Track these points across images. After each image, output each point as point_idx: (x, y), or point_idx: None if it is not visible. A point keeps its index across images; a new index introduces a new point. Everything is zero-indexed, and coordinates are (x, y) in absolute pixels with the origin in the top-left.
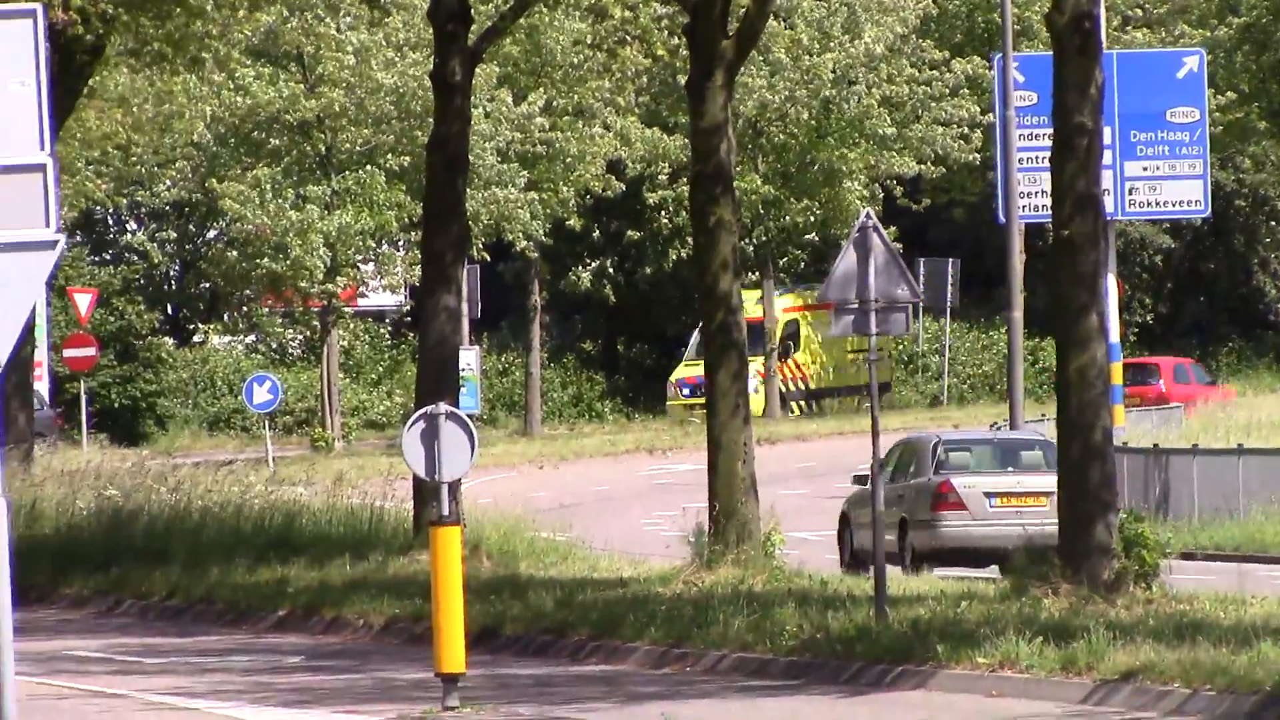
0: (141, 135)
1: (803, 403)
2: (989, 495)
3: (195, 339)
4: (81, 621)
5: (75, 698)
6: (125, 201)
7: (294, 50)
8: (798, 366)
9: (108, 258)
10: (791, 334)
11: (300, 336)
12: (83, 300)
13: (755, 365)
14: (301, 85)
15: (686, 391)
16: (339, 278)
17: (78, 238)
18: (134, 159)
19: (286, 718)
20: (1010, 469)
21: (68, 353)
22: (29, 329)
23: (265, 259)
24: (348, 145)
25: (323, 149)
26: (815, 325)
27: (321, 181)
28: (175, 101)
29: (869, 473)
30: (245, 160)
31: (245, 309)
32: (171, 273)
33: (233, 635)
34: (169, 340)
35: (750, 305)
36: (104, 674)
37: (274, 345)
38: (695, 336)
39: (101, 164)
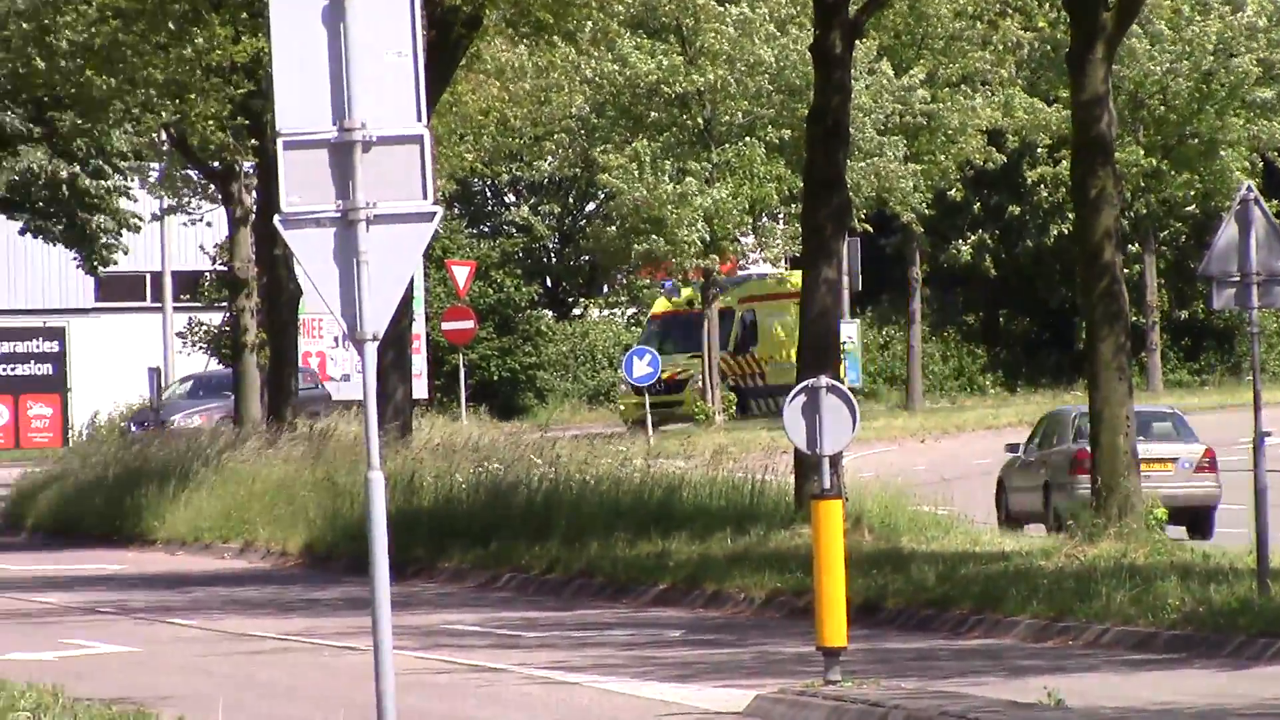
0: (519, 109)
1: (762, 402)
2: None
3: (574, 312)
4: (460, 595)
5: (454, 672)
6: (505, 175)
7: (672, 22)
8: (755, 361)
9: (486, 230)
10: (749, 325)
11: None
12: (461, 273)
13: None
14: (681, 58)
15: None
16: (716, 254)
17: (455, 210)
18: (512, 132)
19: (667, 691)
20: (1141, 438)
21: (446, 326)
22: (407, 302)
23: (645, 237)
24: (726, 118)
25: (701, 122)
26: (773, 316)
27: (701, 155)
28: (553, 74)
29: (1019, 442)
30: (624, 133)
31: (625, 282)
32: (550, 246)
33: (613, 609)
34: (548, 313)
35: (727, 295)
36: (483, 648)
37: None
38: (646, 326)
39: (478, 136)
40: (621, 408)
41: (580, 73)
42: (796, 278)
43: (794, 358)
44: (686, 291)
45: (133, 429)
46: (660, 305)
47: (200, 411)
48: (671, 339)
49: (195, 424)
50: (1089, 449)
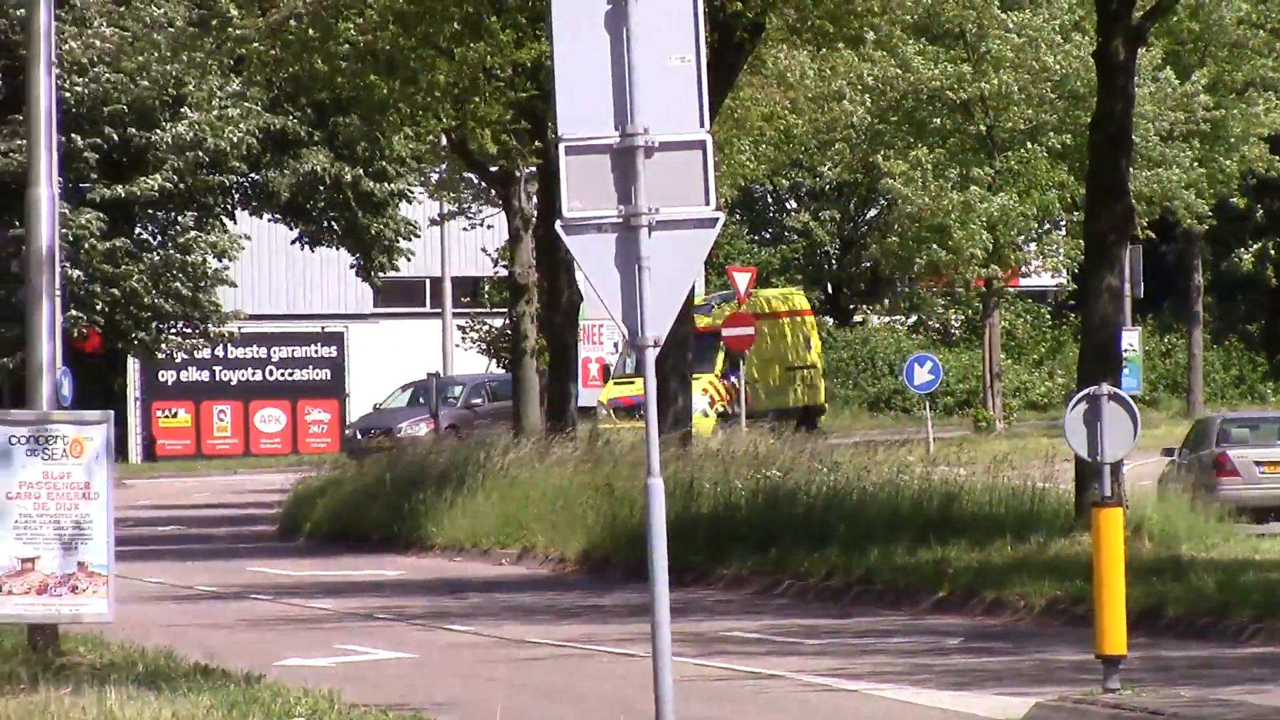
0: (801, 116)
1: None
2: (1258, 464)
3: (854, 319)
4: (739, 602)
5: (732, 679)
6: (786, 181)
7: (955, 28)
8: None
9: (766, 236)
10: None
11: (961, 317)
12: (742, 279)
13: (700, 383)
14: (967, 64)
15: (622, 414)
16: (998, 263)
17: (737, 216)
18: (793, 138)
19: (945, 699)
20: (1278, 442)
21: (726, 331)
22: (687, 307)
23: (927, 246)
24: (1009, 125)
25: (983, 128)
26: (767, 337)
27: (983, 162)
28: (835, 81)
29: (1174, 447)
30: (906, 139)
31: (906, 290)
32: (831, 252)
33: (891, 616)
34: (828, 320)
35: (715, 312)
36: (761, 655)
37: (935, 325)
38: (621, 350)
39: (759, 143)
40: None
41: (862, 79)
42: (793, 297)
43: (782, 382)
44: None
45: (358, 437)
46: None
47: (426, 419)
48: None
49: (422, 432)
50: (1225, 452)
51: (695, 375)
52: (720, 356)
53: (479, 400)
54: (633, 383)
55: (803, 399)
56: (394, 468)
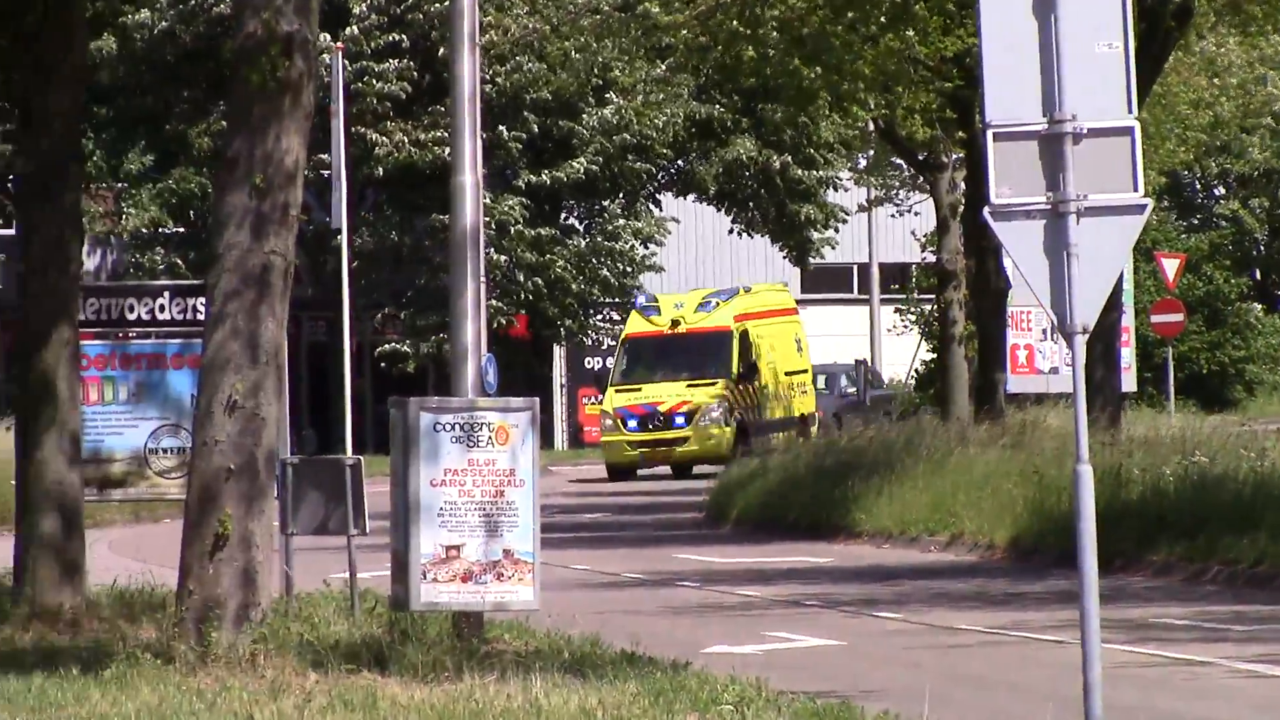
0: (1229, 102)
1: (764, 440)
2: None
3: None
4: (1167, 588)
5: (1160, 666)
6: (1214, 168)
7: None
8: (752, 392)
9: (1196, 223)
10: (746, 349)
11: None
12: (1170, 266)
13: (714, 389)
14: None
15: (633, 424)
16: None
17: (1164, 203)
18: (1221, 124)
19: None
20: None
21: (1155, 318)
22: (1115, 294)
23: None
24: None
25: None
26: (767, 339)
27: None
28: (1260, 67)
29: None
30: None
31: None
32: (1260, 238)
33: None
34: (1257, 306)
35: (719, 311)
36: (1190, 641)
37: None
38: (619, 350)
39: (1187, 128)
40: (605, 446)
41: None
42: (783, 296)
43: (791, 388)
44: (669, 309)
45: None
46: (635, 324)
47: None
48: (644, 364)
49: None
50: None
51: (709, 380)
52: (735, 359)
53: (853, 390)
54: (639, 390)
55: (802, 406)
56: (821, 454)
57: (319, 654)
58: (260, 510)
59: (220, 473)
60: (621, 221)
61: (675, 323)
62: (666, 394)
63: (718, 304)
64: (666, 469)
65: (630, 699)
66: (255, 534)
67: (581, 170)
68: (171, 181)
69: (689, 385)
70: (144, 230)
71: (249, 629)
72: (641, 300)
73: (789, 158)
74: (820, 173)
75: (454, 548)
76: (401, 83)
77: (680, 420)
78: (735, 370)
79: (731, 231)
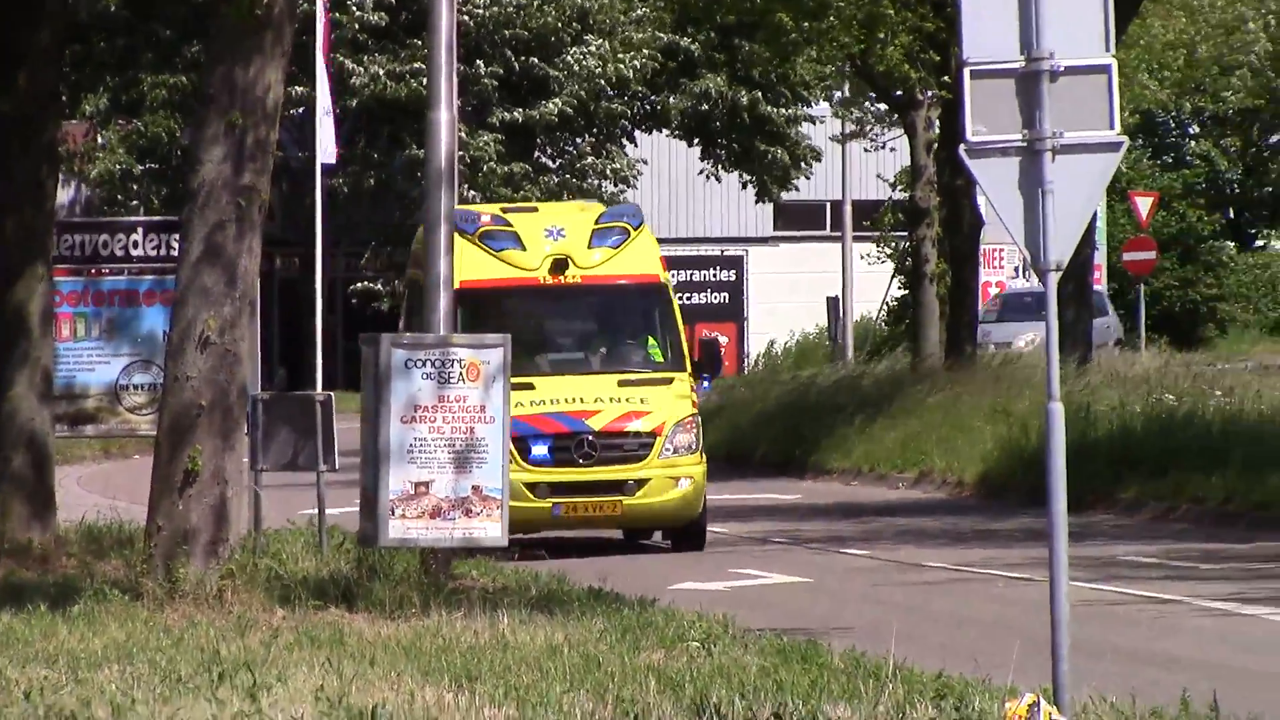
0: (1207, 42)
1: None
2: None
3: (1256, 243)
4: (1135, 527)
5: (1128, 604)
6: (1189, 107)
7: None
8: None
9: (1169, 161)
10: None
11: None
12: (1143, 204)
13: (669, 390)
14: None
15: (540, 452)
16: None
17: (1138, 142)
18: (1198, 65)
19: None
20: None
21: (1127, 256)
22: (1089, 232)
23: None
24: None
25: None
26: None
27: None
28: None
29: None
30: None
31: None
32: (1233, 178)
33: None
34: (1230, 244)
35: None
36: (1158, 580)
37: None
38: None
39: (1163, 70)
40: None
41: (1266, 3)
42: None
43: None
44: (534, 237)
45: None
46: (474, 264)
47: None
48: (518, 343)
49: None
50: None
51: (655, 374)
52: (681, 335)
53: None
54: (531, 388)
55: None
56: (792, 391)
57: (286, 590)
58: (231, 446)
59: (191, 408)
60: (591, 159)
61: (560, 265)
62: (591, 396)
63: (627, 234)
64: (605, 532)
65: (597, 635)
66: (226, 469)
67: (556, 111)
68: (140, 124)
69: (622, 383)
70: (116, 168)
71: (217, 565)
72: (481, 219)
73: (759, 94)
74: (789, 109)
75: (423, 484)
76: (379, 12)
77: (632, 445)
78: (688, 357)
79: (701, 172)
